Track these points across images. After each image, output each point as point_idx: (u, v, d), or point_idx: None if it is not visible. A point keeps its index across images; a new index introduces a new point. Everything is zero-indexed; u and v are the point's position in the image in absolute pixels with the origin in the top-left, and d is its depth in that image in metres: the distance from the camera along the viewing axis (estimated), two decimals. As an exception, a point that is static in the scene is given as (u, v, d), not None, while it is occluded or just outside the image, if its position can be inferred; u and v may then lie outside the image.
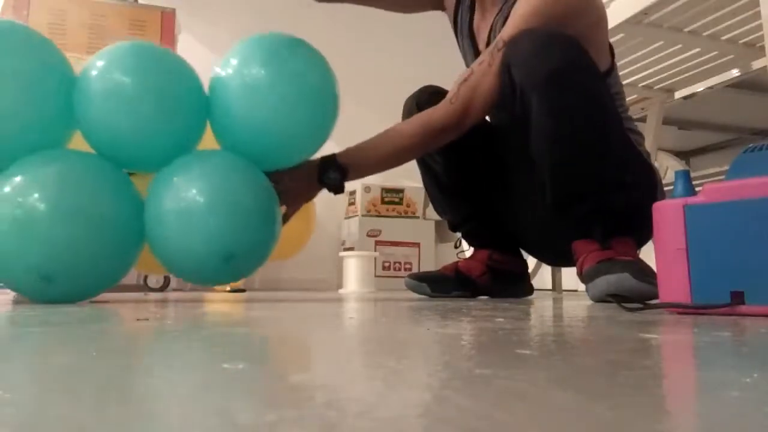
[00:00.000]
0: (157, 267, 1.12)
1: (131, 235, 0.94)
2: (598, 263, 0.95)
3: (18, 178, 0.86)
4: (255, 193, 0.98)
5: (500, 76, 1.01)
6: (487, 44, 1.15)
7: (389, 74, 3.19)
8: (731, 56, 1.61)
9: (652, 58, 1.65)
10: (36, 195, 0.85)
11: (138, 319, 0.61)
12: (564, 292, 2.05)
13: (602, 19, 1.08)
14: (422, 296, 1.29)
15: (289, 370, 0.28)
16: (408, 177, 2.91)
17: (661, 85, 1.84)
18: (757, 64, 1.59)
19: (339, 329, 0.53)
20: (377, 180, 3.42)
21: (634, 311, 0.69)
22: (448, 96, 1.07)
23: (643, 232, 1.06)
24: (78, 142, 0.97)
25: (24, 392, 0.23)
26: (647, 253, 0.92)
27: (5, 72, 0.87)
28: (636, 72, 1.74)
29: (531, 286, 1.39)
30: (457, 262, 1.35)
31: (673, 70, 1.72)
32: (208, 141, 1.05)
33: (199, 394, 0.23)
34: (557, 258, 1.38)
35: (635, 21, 1.44)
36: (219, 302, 1.11)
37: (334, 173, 1.07)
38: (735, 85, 1.75)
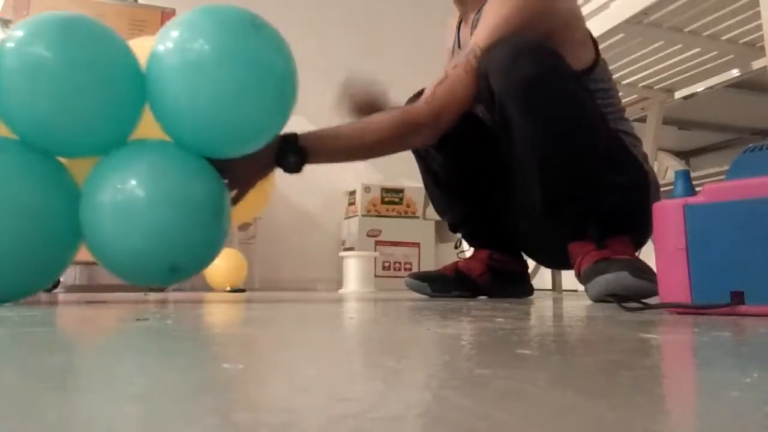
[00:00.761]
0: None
1: (64, 230, 0.86)
2: (595, 263, 0.95)
3: None
4: (202, 190, 0.89)
5: (477, 83, 1.02)
6: None
7: (389, 77, 3.18)
8: (731, 56, 1.61)
9: (652, 58, 1.65)
10: None
11: (138, 319, 0.61)
12: (564, 292, 2.05)
13: (573, 18, 1.09)
14: (422, 296, 1.29)
15: (288, 370, 0.28)
16: (408, 177, 2.91)
17: (661, 85, 1.84)
18: (757, 64, 1.59)
19: (339, 329, 0.53)
20: (377, 180, 3.42)
21: (634, 311, 0.69)
22: (424, 96, 1.06)
23: (639, 231, 1.07)
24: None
25: (24, 392, 0.23)
26: (647, 253, 0.92)
27: None
28: (636, 72, 1.74)
29: (531, 286, 1.39)
30: (457, 262, 1.35)
31: (673, 70, 1.72)
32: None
33: (199, 394, 0.23)
34: (556, 261, 1.38)
35: (635, 21, 1.44)
36: (219, 302, 1.11)
37: (293, 157, 1.01)
38: (735, 85, 1.75)
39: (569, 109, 0.98)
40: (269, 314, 0.73)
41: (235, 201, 1.03)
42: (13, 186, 0.82)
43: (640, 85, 1.84)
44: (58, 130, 0.84)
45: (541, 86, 0.96)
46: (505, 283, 1.32)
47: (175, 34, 0.86)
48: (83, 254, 0.91)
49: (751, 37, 1.51)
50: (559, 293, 1.96)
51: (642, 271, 0.89)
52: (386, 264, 3.25)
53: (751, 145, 0.64)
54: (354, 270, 2.45)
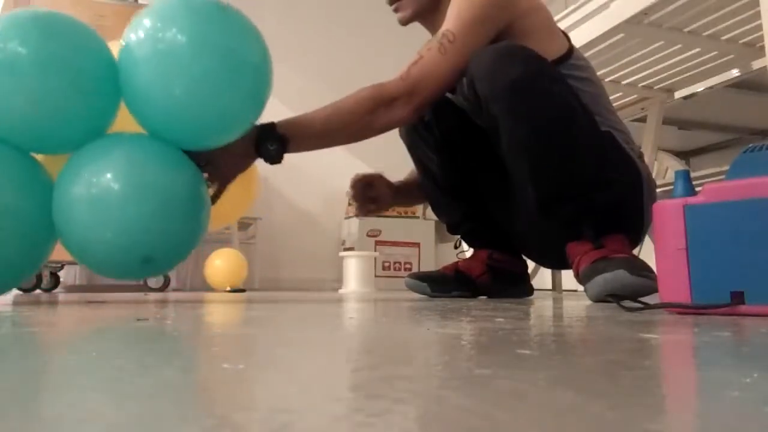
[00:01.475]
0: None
1: (38, 226, 0.86)
2: (593, 263, 0.95)
3: None
4: (178, 182, 0.88)
5: (454, 65, 1.03)
6: None
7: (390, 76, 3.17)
8: (731, 56, 1.61)
9: (652, 58, 1.65)
10: None
11: (138, 320, 0.61)
12: (564, 292, 2.05)
13: (534, 8, 1.11)
14: (422, 296, 1.29)
15: (288, 370, 0.28)
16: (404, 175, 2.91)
17: (661, 85, 1.84)
18: (757, 64, 1.59)
19: (339, 329, 0.53)
20: (377, 180, 3.41)
21: (634, 311, 0.69)
22: (399, 74, 1.06)
23: (635, 229, 1.07)
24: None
25: (23, 392, 0.23)
26: (647, 253, 0.92)
27: None
28: (636, 72, 1.74)
29: (531, 286, 1.39)
30: (457, 262, 1.35)
31: (673, 70, 1.72)
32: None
33: (199, 394, 0.23)
34: (555, 261, 1.38)
35: (635, 21, 1.44)
36: (218, 302, 1.11)
37: (273, 144, 0.99)
38: (735, 85, 1.75)
39: (555, 110, 0.99)
40: (269, 314, 0.73)
41: (216, 195, 1.02)
42: None
43: (640, 85, 1.84)
44: (33, 127, 0.84)
45: (526, 88, 0.97)
46: (505, 283, 1.32)
47: (146, 23, 0.86)
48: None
49: (751, 37, 1.51)
50: (559, 293, 1.96)
51: (640, 268, 0.90)
52: (386, 264, 3.25)
53: (751, 145, 0.64)
54: (354, 270, 2.45)
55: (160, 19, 0.86)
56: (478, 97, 1.02)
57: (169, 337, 0.46)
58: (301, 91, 3.09)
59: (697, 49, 1.58)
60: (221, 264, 2.34)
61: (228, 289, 2.31)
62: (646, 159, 1.32)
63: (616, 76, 1.77)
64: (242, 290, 2.29)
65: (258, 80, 0.92)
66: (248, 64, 0.90)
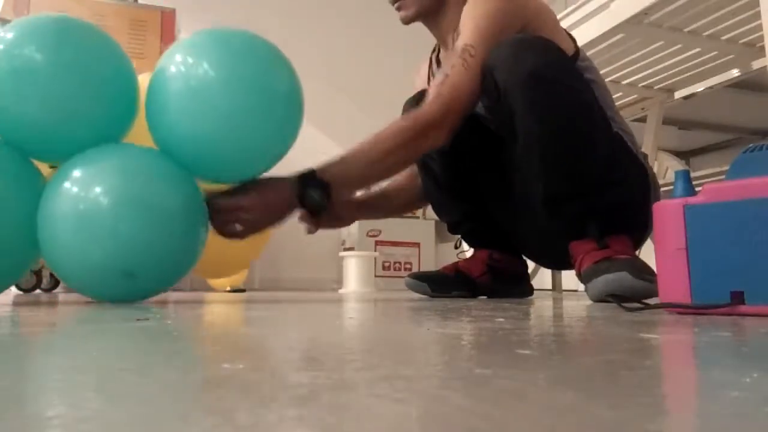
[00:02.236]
0: (210, 271, 1.09)
1: (24, 235, 0.83)
2: (596, 263, 0.95)
3: None
4: (173, 200, 0.86)
5: (478, 79, 1.01)
6: None
7: (391, 77, 3.17)
8: (731, 56, 1.61)
9: (652, 58, 1.65)
10: None
11: (138, 319, 0.61)
12: (564, 292, 2.05)
13: (542, 10, 1.11)
14: (422, 296, 1.29)
15: (288, 370, 0.28)
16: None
17: (661, 85, 1.84)
18: (757, 64, 1.59)
19: (339, 329, 0.53)
20: (377, 180, 3.41)
21: (634, 311, 0.69)
22: (430, 97, 1.04)
23: (639, 230, 1.07)
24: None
25: (24, 392, 0.23)
26: (647, 254, 0.92)
27: None
28: (636, 72, 1.74)
29: (531, 286, 1.39)
30: (458, 262, 1.35)
31: (673, 70, 1.72)
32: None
33: (199, 394, 0.23)
34: (555, 261, 1.38)
35: (635, 21, 1.44)
36: (219, 302, 1.11)
37: (315, 191, 0.95)
38: (735, 85, 1.75)
39: (573, 104, 0.98)
40: (269, 314, 0.73)
41: (241, 236, 0.98)
42: None
43: (640, 85, 1.84)
44: (39, 133, 0.83)
45: (546, 80, 0.97)
46: (505, 283, 1.32)
47: (179, 57, 0.87)
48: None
49: (751, 37, 1.51)
50: (559, 293, 1.96)
51: (642, 271, 0.89)
52: (386, 264, 3.25)
53: (751, 145, 0.64)
54: (354, 270, 2.45)
55: (192, 51, 0.87)
56: (497, 87, 1.00)
57: (169, 337, 0.46)
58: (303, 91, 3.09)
59: (697, 49, 1.58)
60: (221, 264, 2.33)
61: (228, 289, 2.31)
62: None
63: (616, 76, 1.77)
64: (242, 290, 2.29)
65: (288, 116, 0.92)
66: (279, 100, 0.91)
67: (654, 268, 0.73)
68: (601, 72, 1.73)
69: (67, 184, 0.82)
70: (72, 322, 0.58)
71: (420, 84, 1.35)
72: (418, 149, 1.04)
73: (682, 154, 2.42)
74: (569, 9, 1.63)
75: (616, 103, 1.96)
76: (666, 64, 1.68)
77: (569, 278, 2.19)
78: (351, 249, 3.08)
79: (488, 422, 0.18)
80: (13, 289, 2.05)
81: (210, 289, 2.38)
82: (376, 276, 2.56)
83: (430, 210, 1.46)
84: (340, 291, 2.42)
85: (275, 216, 0.99)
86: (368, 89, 3.34)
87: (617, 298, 0.80)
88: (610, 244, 0.97)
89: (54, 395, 0.22)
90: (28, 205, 0.83)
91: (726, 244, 0.61)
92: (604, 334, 0.47)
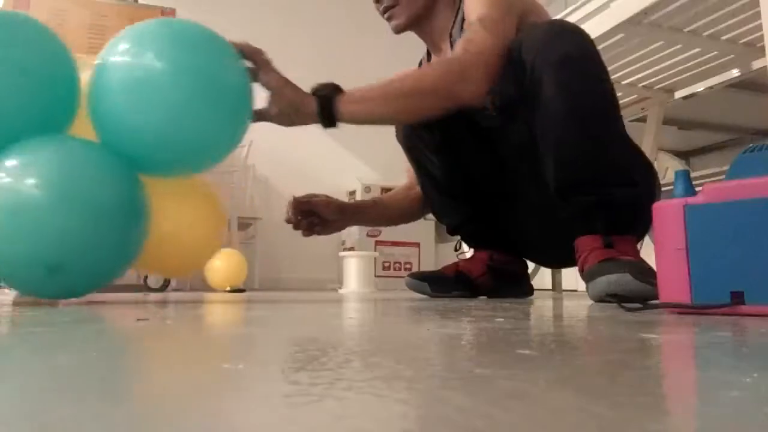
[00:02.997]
0: (156, 267, 1.10)
1: None
2: (599, 263, 0.95)
3: None
4: (107, 194, 0.82)
5: (507, 55, 1.00)
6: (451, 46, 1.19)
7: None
8: (731, 56, 1.61)
9: (652, 58, 1.65)
10: None
11: (138, 320, 0.61)
12: (564, 292, 2.05)
13: (535, 6, 1.14)
14: (422, 296, 1.29)
15: (288, 370, 0.28)
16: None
17: (661, 85, 1.84)
18: (757, 64, 1.59)
19: (339, 329, 0.53)
20: (377, 180, 3.41)
21: (634, 311, 0.69)
22: (459, 47, 1.00)
23: (643, 230, 1.07)
24: None
25: (24, 392, 0.23)
26: (647, 253, 0.92)
27: None
28: (636, 72, 1.74)
29: (531, 286, 1.39)
30: (458, 262, 1.35)
31: (673, 70, 1.72)
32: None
33: (199, 394, 0.23)
34: (556, 259, 1.38)
35: (635, 21, 1.44)
36: (218, 302, 1.11)
37: (326, 89, 0.95)
38: (735, 85, 1.75)
39: (601, 94, 0.99)
40: (269, 314, 0.73)
41: (261, 117, 0.96)
42: None
43: (640, 85, 1.84)
44: None
45: (578, 64, 0.97)
46: (505, 283, 1.32)
47: (122, 47, 0.84)
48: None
49: (751, 37, 1.51)
50: (559, 293, 1.96)
51: (645, 274, 0.89)
52: (386, 264, 3.25)
53: (751, 145, 0.64)
54: (354, 270, 2.45)
55: (135, 42, 0.85)
56: (523, 64, 0.99)
57: (169, 337, 0.46)
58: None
59: (697, 49, 1.58)
60: (221, 264, 2.34)
61: (228, 289, 2.31)
62: (646, 159, 1.32)
63: (616, 76, 1.77)
64: (242, 290, 2.30)
65: (237, 103, 0.89)
66: (227, 88, 0.87)
67: (654, 268, 0.73)
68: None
69: None
70: (72, 322, 0.58)
71: None
72: (453, 91, 0.97)
73: (682, 154, 2.43)
74: (569, 9, 1.63)
75: (616, 103, 1.97)
76: (666, 64, 1.68)
77: (569, 278, 2.19)
78: (351, 249, 3.08)
79: (488, 422, 0.18)
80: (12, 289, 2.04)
81: (210, 289, 2.38)
82: (376, 276, 2.56)
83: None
84: (340, 291, 2.42)
85: (292, 99, 0.96)
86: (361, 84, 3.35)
87: (617, 298, 0.80)
88: (616, 244, 0.97)
89: (54, 396, 0.22)
90: None
91: (726, 244, 0.61)
92: (604, 334, 0.47)
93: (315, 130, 1.02)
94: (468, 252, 1.43)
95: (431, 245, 3.35)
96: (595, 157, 0.99)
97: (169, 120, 0.84)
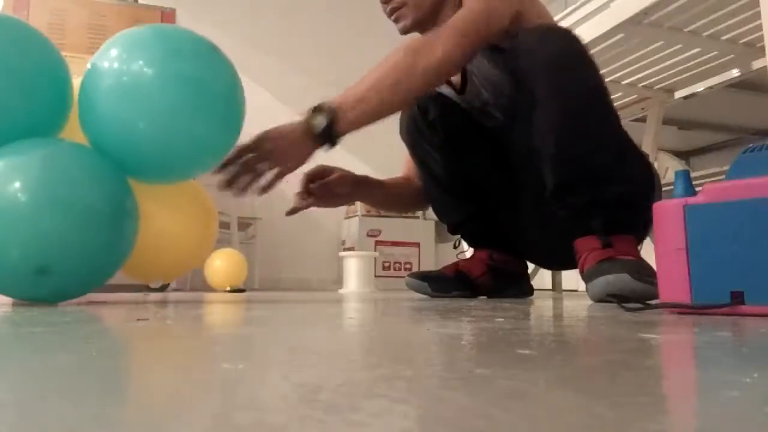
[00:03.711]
0: (146, 273, 1.09)
1: None
2: (599, 263, 0.95)
3: None
4: (96, 197, 0.82)
5: (488, 26, 1.03)
6: None
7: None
8: (731, 56, 1.61)
9: (652, 58, 1.65)
10: None
11: (138, 320, 0.61)
12: (564, 292, 2.05)
13: (534, 4, 1.13)
14: (422, 296, 1.29)
15: (288, 370, 0.28)
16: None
17: (661, 85, 1.84)
18: (757, 64, 1.59)
19: (339, 329, 0.53)
20: (377, 180, 3.41)
21: (634, 311, 0.69)
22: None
23: (643, 229, 1.07)
24: None
25: (24, 392, 0.23)
26: (647, 253, 0.92)
27: None
28: (636, 72, 1.74)
29: (531, 286, 1.39)
30: (458, 262, 1.35)
31: (673, 70, 1.72)
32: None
33: (199, 394, 0.23)
34: (558, 261, 1.38)
35: (635, 21, 1.44)
36: (218, 302, 1.11)
37: (321, 115, 0.94)
38: (735, 85, 1.75)
39: (593, 93, 1.00)
40: (269, 314, 0.73)
41: (273, 180, 0.98)
42: None
43: (640, 85, 1.84)
44: None
45: (570, 65, 0.99)
46: (505, 283, 1.32)
47: (113, 53, 0.84)
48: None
49: (751, 37, 1.51)
50: (559, 293, 1.96)
51: (644, 273, 0.89)
52: (386, 264, 3.25)
53: (751, 145, 0.64)
54: (354, 270, 2.45)
55: (126, 48, 0.85)
56: (516, 69, 1.03)
57: (169, 337, 0.46)
58: (300, 91, 3.10)
59: (697, 49, 1.58)
60: (221, 264, 2.34)
61: (228, 289, 2.31)
62: (646, 159, 1.32)
63: (616, 76, 1.77)
64: (242, 290, 2.29)
65: (228, 110, 0.89)
66: (217, 95, 0.87)
67: (654, 268, 0.73)
68: (601, 72, 1.73)
69: None
70: (72, 322, 0.58)
71: None
72: (420, 60, 0.99)
73: (682, 154, 2.43)
74: (569, 9, 1.63)
75: (617, 103, 1.97)
76: (666, 64, 1.68)
77: (569, 278, 2.19)
78: (351, 249, 3.08)
79: (488, 422, 0.18)
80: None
81: (210, 288, 2.38)
82: (376, 276, 2.56)
83: (429, 210, 1.46)
84: (340, 291, 2.42)
85: (291, 148, 0.97)
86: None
87: (617, 298, 0.80)
88: (614, 244, 0.97)
89: (54, 396, 0.22)
90: None
91: (726, 244, 0.61)
92: (604, 334, 0.47)
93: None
94: (468, 251, 1.43)
95: (431, 245, 3.35)
96: (589, 157, 0.99)
97: (159, 127, 0.84)
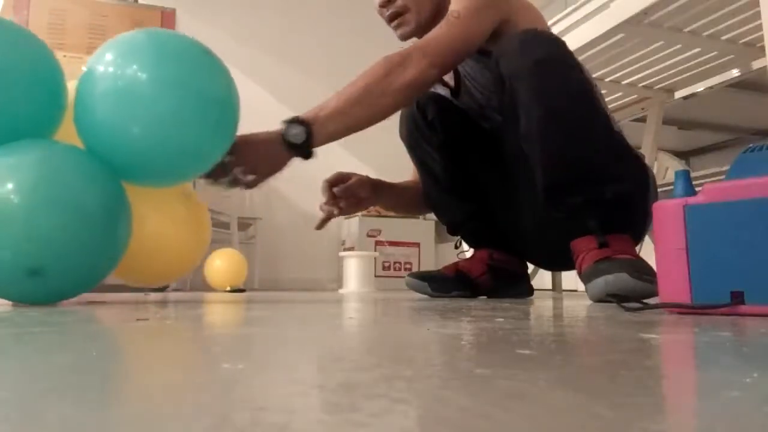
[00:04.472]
0: (138, 277, 1.09)
1: None
2: (596, 263, 0.95)
3: None
4: (89, 198, 0.82)
5: (466, 29, 1.05)
6: None
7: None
8: (731, 56, 1.61)
9: (652, 58, 1.65)
10: None
11: (138, 319, 0.61)
12: (564, 292, 2.05)
13: (525, 7, 1.15)
14: (422, 296, 1.29)
15: (288, 370, 0.28)
16: (408, 177, 2.91)
17: (661, 85, 1.84)
18: (757, 64, 1.59)
19: (339, 329, 0.53)
20: (377, 180, 3.41)
21: (634, 311, 0.69)
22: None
23: (639, 228, 1.07)
24: None
25: (24, 392, 0.23)
26: (647, 253, 0.92)
27: None
28: (636, 72, 1.74)
29: (531, 286, 1.39)
30: (458, 262, 1.35)
31: (673, 70, 1.72)
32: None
33: (199, 394, 0.23)
34: (557, 263, 1.38)
35: (635, 21, 1.44)
36: (218, 302, 1.11)
37: (295, 128, 0.97)
38: (735, 85, 1.75)
39: (577, 94, 1.00)
40: (269, 314, 0.73)
41: (250, 185, 1.00)
42: None
43: (640, 85, 1.84)
44: None
45: (551, 68, 0.99)
46: (505, 283, 1.32)
47: (109, 57, 0.85)
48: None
49: (751, 37, 1.52)
50: (559, 293, 1.96)
51: (642, 272, 0.89)
52: (386, 264, 3.25)
53: (751, 145, 0.64)
54: (354, 270, 2.45)
55: (122, 52, 0.85)
56: (501, 76, 1.04)
57: (169, 337, 0.46)
58: (300, 90, 3.10)
59: (697, 49, 1.58)
60: (221, 264, 2.34)
61: (228, 289, 2.31)
62: (646, 159, 1.32)
63: (616, 76, 1.77)
64: (242, 290, 2.30)
65: (222, 115, 0.90)
66: (212, 100, 0.88)
67: (654, 268, 0.73)
68: (602, 72, 1.74)
69: None
70: (72, 322, 0.58)
71: None
72: (394, 80, 1.01)
73: (682, 154, 2.43)
74: (569, 9, 1.63)
75: (617, 103, 1.97)
76: (666, 64, 1.68)
77: (569, 278, 2.19)
78: (351, 249, 3.09)
79: (488, 422, 0.18)
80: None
81: (210, 288, 2.38)
82: (376, 276, 2.57)
83: (429, 210, 1.47)
84: (340, 291, 2.42)
85: (267, 157, 1.00)
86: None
87: (617, 298, 0.80)
88: (611, 243, 0.97)
89: (54, 396, 0.22)
90: None
91: (726, 244, 0.61)
92: (604, 334, 0.47)
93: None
94: (468, 251, 1.43)
95: (431, 245, 3.35)
96: (579, 158, 0.99)
97: (153, 131, 0.85)
